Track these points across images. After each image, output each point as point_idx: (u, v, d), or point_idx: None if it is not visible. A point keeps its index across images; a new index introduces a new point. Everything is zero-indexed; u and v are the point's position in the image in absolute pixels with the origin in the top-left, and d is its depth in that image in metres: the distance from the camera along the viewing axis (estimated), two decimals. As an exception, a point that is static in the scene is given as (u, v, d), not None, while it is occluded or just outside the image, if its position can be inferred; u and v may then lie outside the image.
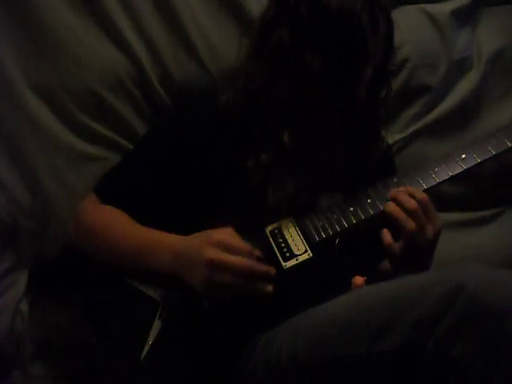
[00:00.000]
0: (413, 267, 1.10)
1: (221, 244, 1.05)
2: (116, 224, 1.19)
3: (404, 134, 1.53)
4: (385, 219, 1.12)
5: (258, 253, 1.08)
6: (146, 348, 1.08)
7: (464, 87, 1.53)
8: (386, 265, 1.24)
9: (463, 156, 1.14)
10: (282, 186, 1.14)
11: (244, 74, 1.21)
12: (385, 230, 1.11)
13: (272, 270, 1.07)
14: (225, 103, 1.21)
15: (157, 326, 1.10)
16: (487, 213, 1.54)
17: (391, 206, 1.11)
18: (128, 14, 1.38)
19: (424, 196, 1.11)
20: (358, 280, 1.09)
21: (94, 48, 1.37)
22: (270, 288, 1.06)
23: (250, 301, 1.07)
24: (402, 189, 1.13)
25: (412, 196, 1.11)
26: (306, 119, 1.17)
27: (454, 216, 1.54)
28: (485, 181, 1.52)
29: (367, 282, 1.08)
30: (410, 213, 1.09)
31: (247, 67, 1.21)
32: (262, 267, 1.07)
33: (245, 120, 1.18)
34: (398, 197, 1.11)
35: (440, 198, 1.52)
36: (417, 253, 1.11)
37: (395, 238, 1.11)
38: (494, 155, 1.14)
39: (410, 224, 1.09)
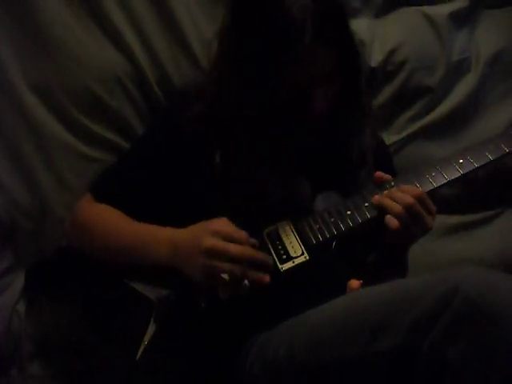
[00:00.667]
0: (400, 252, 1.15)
1: (219, 233, 1.06)
2: (111, 221, 1.20)
3: (401, 136, 1.53)
4: (381, 221, 1.12)
5: (253, 241, 1.09)
6: (142, 347, 1.08)
7: (462, 89, 1.54)
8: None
9: (461, 161, 1.14)
10: (224, 201, 1.15)
11: (201, 91, 1.24)
12: (388, 216, 1.10)
13: (268, 259, 1.08)
14: (190, 116, 1.21)
15: (153, 325, 1.10)
16: (484, 215, 1.54)
17: (387, 201, 1.11)
18: (126, 15, 1.39)
19: (418, 191, 1.11)
20: (354, 283, 1.09)
21: (92, 48, 1.37)
22: (267, 278, 1.06)
23: (247, 300, 1.07)
24: (394, 189, 1.13)
25: (406, 192, 1.11)
26: (243, 142, 1.16)
27: (452, 219, 1.54)
28: (481, 183, 1.52)
29: (363, 286, 1.08)
30: (405, 207, 1.09)
31: (205, 85, 1.24)
32: (260, 255, 1.08)
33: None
34: (392, 194, 1.11)
35: (437, 200, 1.52)
36: (410, 241, 1.14)
37: None
38: (492, 160, 1.14)
39: (406, 217, 1.09)
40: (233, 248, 1.05)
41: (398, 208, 1.09)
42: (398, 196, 1.10)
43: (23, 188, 1.36)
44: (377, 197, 1.13)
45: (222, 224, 1.09)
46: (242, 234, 1.08)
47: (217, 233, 1.06)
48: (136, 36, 1.39)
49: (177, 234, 1.11)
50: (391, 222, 1.09)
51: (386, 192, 1.13)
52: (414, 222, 1.09)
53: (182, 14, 1.41)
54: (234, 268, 1.04)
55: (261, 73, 1.10)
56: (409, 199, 1.09)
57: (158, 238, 1.13)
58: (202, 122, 1.19)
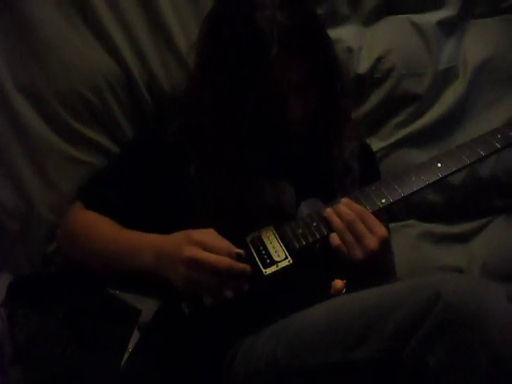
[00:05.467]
0: (371, 276, 1.10)
1: (200, 243, 1.06)
2: (99, 228, 1.21)
3: (388, 142, 1.54)
4: None
5: (237, 250, 1.09)
6: (126, 355, 1.08)
7: (449, 97, 1.54)
8: None
9: (439, 165, 1.15)
10: (203, 210, 1.16)
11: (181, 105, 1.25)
12: (333, 234, 1.10)
13: (248, 268, 1.08)
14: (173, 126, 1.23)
15: (137, 333, 1.10)
16: (472, 225, 1.55)
17: (334, 218, 1.11)
18: (116, 17, 1.39)
19: (359, 208, 1.11)
20: (338, 283, 1.09)
21: (81, 50, 1.37)
22: (246, 287, 1.07)
23: (231, 306, 1.08)
24: (344, 200, 1.13)
25: (349, 208, 1.11)
26: (217, 153, 1.17)
27: (440, 228, 1.54)
28: (470, 191, 1.53)
29: (347, 285, 1.09)
30: (347, 223, 1.09)
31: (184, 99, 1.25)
32: (238, 265, 1.07)
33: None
34: (338, 208, 1.11)
35: (424, 208, 1.53)
36: (367, 262, 1.09)
37: None
38: (469, 164, 1.15)
39: (348, 235, 1.09)
40: (212, 258, 1.05)
41: (340, 225, 1.09)
42: (342, 212, 1.10)
43: (9, 189, 1.35)
44: (328, 210, 1.13)
45: (206, 234, 1.09)
46: (225, 245, 1.08)
47: (198, 243, 1.06)
48: (125, 39, 1.39)
49: (160, 241, 1.12)
50: (333, 239, 1.10)
51: (336, 205, 1.13)
52: (355, 241, 1.08)
53: (170, 16, 1.41)
54: (213, 279, 1.05)
55: (233, 85, 1.11)
56: (350, 216, 1.09)
57: (144, 244, 1.13)
58: (182, 132, 1.20)
